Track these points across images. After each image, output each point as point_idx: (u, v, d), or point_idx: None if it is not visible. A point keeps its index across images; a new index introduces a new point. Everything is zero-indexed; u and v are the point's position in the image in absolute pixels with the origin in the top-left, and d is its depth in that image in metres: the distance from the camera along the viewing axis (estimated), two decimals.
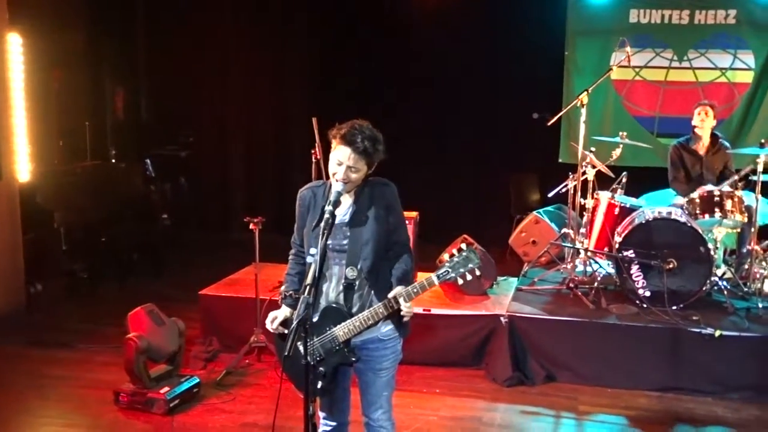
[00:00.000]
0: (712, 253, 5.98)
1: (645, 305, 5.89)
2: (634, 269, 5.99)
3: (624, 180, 6.93)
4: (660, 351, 5.56)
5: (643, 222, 6.06)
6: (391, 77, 9.49)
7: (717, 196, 6.22)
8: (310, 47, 10.06)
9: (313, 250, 3.25)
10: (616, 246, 6.12)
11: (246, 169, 10.63)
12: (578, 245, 6.66)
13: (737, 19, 8.79)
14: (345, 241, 3.30)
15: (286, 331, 3.40)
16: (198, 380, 5.39)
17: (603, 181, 6.97)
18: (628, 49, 6.77)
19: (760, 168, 6.08)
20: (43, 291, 7.49)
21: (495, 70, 9.29)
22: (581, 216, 6.88)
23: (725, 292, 6.08)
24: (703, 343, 5.46)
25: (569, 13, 9.20)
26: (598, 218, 6.71)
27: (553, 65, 9.20)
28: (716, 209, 6.19)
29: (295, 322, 3.10)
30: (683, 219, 6.03)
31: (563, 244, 6.99)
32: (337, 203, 3.20)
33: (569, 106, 7.03)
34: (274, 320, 3.41)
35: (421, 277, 3.28)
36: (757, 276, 6.29)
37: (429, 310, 5.85)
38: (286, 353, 3.09)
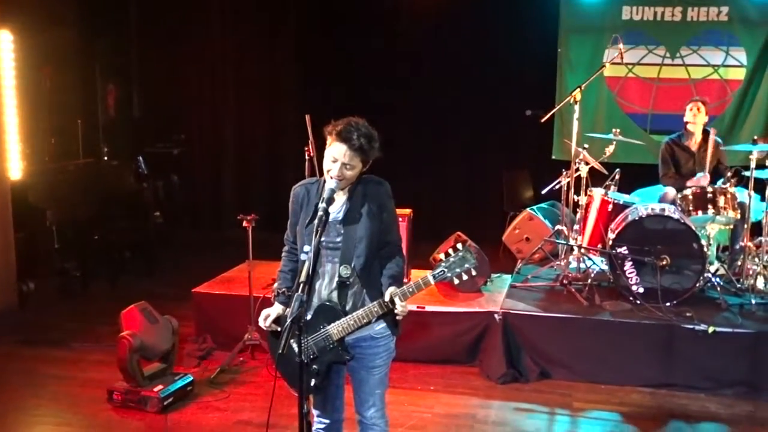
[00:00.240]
0: (705, 249, 5.99)
1: (638, 302, 5.90)
2: (628, 266, 6.00)
3: (617, 177, 6.94)
4: (654, 347, 5.57)
5: (637, 219, 6.06)
6: (384, 75, 9.47)
7: (710, 193, 6.24)
8: (303, 44, 10.04)
9: (306, 248, 3.23)
10: (610, 243, 6.13)
11: (238, 167, 10.62)
12: (572, 242, 6.67)
13: (729, 16, 8.82)
14: (338, 239, 3.29)
15: (279, 329, 3.39)
16: (192, 378, 5.38)
17: (596, 178, 6.98)
18: (620, 46, 6.77)
19: (752, 164, 6.09)
20: (36, 290, 7.46)
21: (488, 68, 9.29)
22: (575, 213, 6.89)
23: (718, 289, 6.09)
24: (697, 340, 5.47)
25: (562, 10, 9.21)
26: (592, 215, 6.73)
27: (545, 62, 9.22)
28: (709, 206, 6.20)
29: (288, 320, 3.09)
30: (676, 216, 6.03)
31: (557, 240, 7.00)
32: (330, 200, 3.19)
33: (562, 103, 7.04)
34: (266, 318, 3.40)
35: (415, 275, 3.28)
36: (750, 272, 6.31)
37: (423, 308, 5.85)
38: (279, 351, 3.08)
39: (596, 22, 9.09)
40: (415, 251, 6.49)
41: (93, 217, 8.01)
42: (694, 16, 8.92)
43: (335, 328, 3.27)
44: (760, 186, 6.39)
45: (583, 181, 6.75)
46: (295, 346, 3.19)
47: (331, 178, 3.22)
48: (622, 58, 6.97)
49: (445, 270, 3.24)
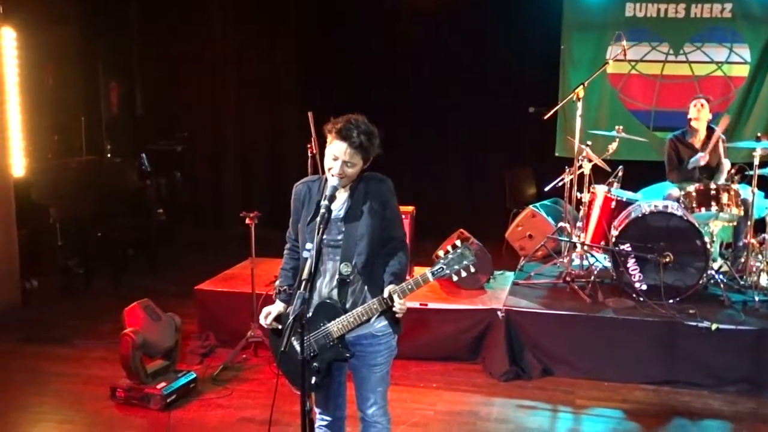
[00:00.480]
0: (708, 246, 5.98)
1: (641, 299, 5.89)
2: (631, 263, 5.99)
3: (620, 174, 6.93)
4: (657, 344, 5.56)
5: (640, 216, 6.05)
6: (385, 73, 9.47)
7: (713, 190, 6.23)
8: (304, 43, 10.04)
9: (309, 245, 3.23)
10: (613, 240, 6.12)
11: (241, 164, 10.62)
12: (575, 239, 6.66)
13: (733, 13, 8.80)
14: (339, 237, 3.29)
15: (280, 327, 3.39)
16: (195, 375, 5.38)
17: (599, 175, 6.98)
18: (624, 42, 6.76)
19: (756, 161, 6.08)
20: (39, 287, 7.48)
21: (490, 65, 9.28)
22: (578, 210, 6.88)
23: (722, 286, 6.08)
24: (700, 337, 5.47)
25: (565, 7, 9.20)
26: (595, 212, 6.72)
27: (549, 59, 9.20)
28: (713, 203, 6.19)
29: (291, 317, 3.09)
30: (680, 212, 6.02)
31: (560, 238, 6.99)
32: (332, 198, 3.19)
33: (565, 100, 7.02)
34: (267, 315, 3.40)
35: (418, 272, 3.27)
36: (753, 269, 6.30)
37: (426, 305, 5.85)
38: (282, 349, 3.08)
39: (599, 19, 9.07)
40: (418, 249, 6.47)
41: (96, 214, 8.02)
42: (697, 12, 8.90)
43: (335, 326, 3.27)
44: (763, 183, 6.39)
45: (586, 178, 6.74)
46: (296, 343, 3.19)
47: (333, 176, 3.21)
48: (625, 54, 6.96)
49: (444, 267, 3.24)
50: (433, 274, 3.25)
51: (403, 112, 9.46)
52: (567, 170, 7.00)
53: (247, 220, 5.77)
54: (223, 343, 6.12)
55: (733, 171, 6.53)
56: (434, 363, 5.81)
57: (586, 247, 6.61)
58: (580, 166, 6.70)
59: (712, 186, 6.26)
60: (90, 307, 7.26)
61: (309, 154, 5.69)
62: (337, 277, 3.28)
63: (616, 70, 8.99)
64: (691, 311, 5.65)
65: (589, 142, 6.83)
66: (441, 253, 3.28)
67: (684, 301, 5.84)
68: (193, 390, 5.31)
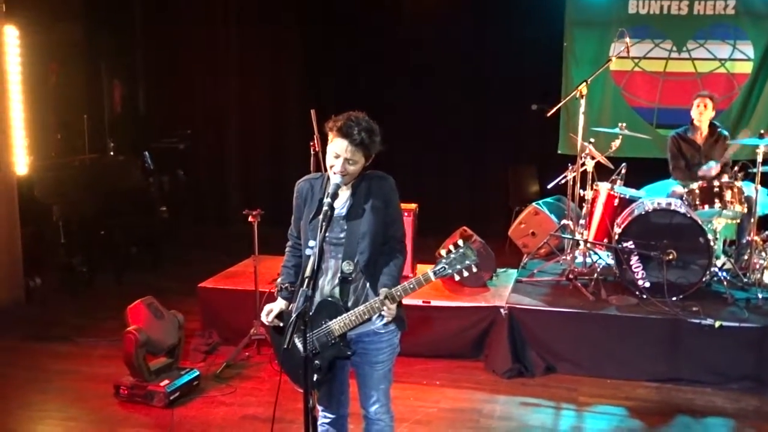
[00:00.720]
0: (711, 243, 5.97)
1: (644, 296, 5.88)
2: (634, 260, 5.98)
3: (623, 171, 6.91)
4: (660, 342, 5.56)
5: (643, 213, 6.05)
6: (389, 69, 9.48)
7: (717, 187, 6.22)
8: (307, 40, 10.04)
9: (311, 243, 3.23)
10: (616, 237, 6.11)
11: (244, 162, 10.64)
12: (578, 236, 6.66)
13: (736, 10, 8.77)
14: (342, 235, 3.28)
15: (281, 324, 3.39)
16: (198, 373, 5.39)
17: (602, 173, 6.96)
18: (627, 39, 6.74)
19: (759, 158, 6.07)
20: (42, 284, 7.50)
21: (494, 62, 9.28)
22: (580, 207, 6.87)
23: (725, 283, 6.08)
24: (703, 334, 5.46)
25: (567, 4, 9.18)
26: (598, 209, 6.71)
27: (551, 56, 9.18)
28: (716, 200, 6.19)
29: (294, 315, 3.09)
30: (683, 210, 6.02)
31: (563, 235, 6.99)
32: (335, 196, 3.18)
33: (568, 98, 7.01)
34: (269, 313, 3.40)
35: (421, 269, 3.27)
36: (757, 266, 6.29)
37: (428, 302, 5.85)
38: (285, 346, 3.08)
39: (602, 16, 9.05)
40: (421, 246, 6.48)
41: (99, 212, 8.02)
42: (700, 9, 8.88)
43: (337, 324, 3.27)
44: (767, 180, 6.36)
45: (589, 176, 6.73)
46: (298, 341, 3.19)
47: (335, 173, 3.21)
48: (628, 52, 6.96)
49: (446, 266, 3.23)
50: (435, 273, 3.23)
51: (406, 109, 9.46)
52: (570, 168, 6.99)
53: (250, 218, 5.78)
54: (226, 341, 6.13)
55: (736, 168, 6.51)
56: (437, 360, 5.81)
57: (589, 245, 6.61)
58: (583, 164, 6.70)
59: (716, 183, 6.25)
60: (93, 304, 7.27)
61: (311, 152, 5.70)
62: (339, 275, 3.28)
63: (619, 68, 8.96)
64: (694, 309, 5.64)
65: (592, 140, 6.82)
66: (443, 251, 3.27)
67: (687, 298, 5.83)
68: (196, 387, 5.31)
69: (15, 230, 7.26)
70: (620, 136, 6.84)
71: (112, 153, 9.36)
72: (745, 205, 6.22)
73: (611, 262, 6.44)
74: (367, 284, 3.31)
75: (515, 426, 4.90)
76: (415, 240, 6.23)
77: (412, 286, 3.21)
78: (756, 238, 6.31)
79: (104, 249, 8.12)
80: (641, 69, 9.12)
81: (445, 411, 5.08)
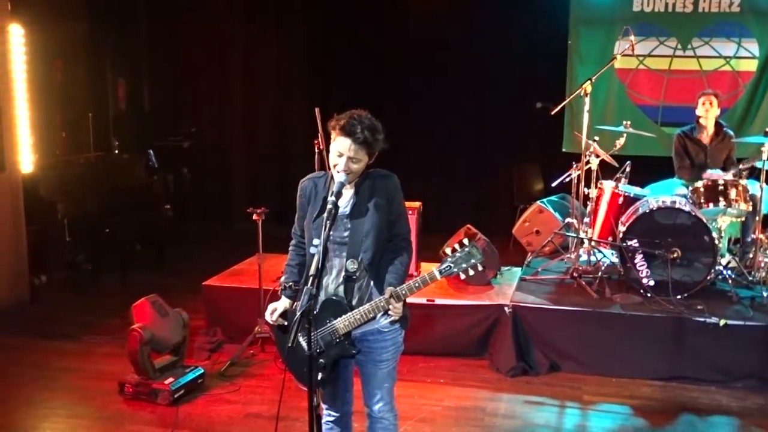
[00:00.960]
0: (716, 242, 5.96)
1: (649, 295, 5.88)
2: (638, 259, 5.98)
3: (628, 169, 6.90)
4: (664, 340, 5.55)
5: (647, 211, 6.04)
6: (393, 67, 9.47)
7: (721, 185, 6.20)
8: (312, 37, 10.05)
9: (315, 241, 3.23)
10: (620, 235, 6.11)
11: (248, 160, 10.64)
12: (582, 235, 6.65)
13: (741, 8, 8.74)
14: (345, 233, 3.28)
15: (285, 323, 3.39)
16: (202, 371, 5.40)
17: (607, 171, 6.94)
18: (631, 37, 6.73)
19: (764, 157, 6.05)
20: (47, 283, 7.52)
21: (498, 60, 9.26)
22: (585, 205, 6.87)
23: (729, 281, 6.07)
24: (708, 333, 5.45)
25: (572, 2, 9.16)
26: (602, 208, 6.70)
27: (556, 54, 9.17)
28: (720, 198, 6.17)
29: (298, 313, 3.09)
30: (687, 208, 6.00)
31: (567, 233, 6.98)
32: (339, 194, 3.18)
33: (572, 96, 7.00)
34: (273, 312, 3.40)
35: (425, 267, 3.27)
36: (762, 265, 6.28)
37: (432, 301, 5.85)
38: (289, 344, 3.08)
39: (606, 14, 9.04)
40: (425, 244, 6.48)
41: (104, 210, 8.03)
42: (705, 7, 8.86)
43: (341, 323, 3.27)
44: None
45: (594, 174, 6.72)
46: (302, 340, 3.19)
47: (338, 172, 3.21)
48: (633, 50, 6.94)
49: (452, 265, 3.22)
50: (440, 272, 3.22)
51: (410, 108, 9.46)
52: (574, 166, 6.99)
53: (254, 216, 5.78)
54: (231, 339, 6.14)
55: (741, 166, 6.50)
56: (441, 358, 5.82)
57: (593, 243, 6.60)
58: (588, 162, 6.68)
59: (720, 182, 6.23)
60: (98, 302, 7.28)
61: (316, 150, 5.70)
62: (343, 273, 3.28)
63: (623, 65, 8.95)
64: (698, 307, 5.63)
65: (596, 138, 6.80)
66: (448, 250, 3.26)
67: (692, 296, 5.82)
68: (200, 385, 5.33)
69: (20, 228, 7.28)
70: (625, 134, 6.83)
71: (116, 151, 9.40)
72: (750, 203, 6.21)
73: (616, 260, 6.43)
74: (372, 282, 3.31)
75: (519, 424, 4.90)
76: (419, 238, 6.22)
77: (417, 284, 3.21)
78: (761, 236, 6.31)
79: (109, 247, 8.12)
80: (646, 67, 9.10)
81: (449, 409, 5.08)
